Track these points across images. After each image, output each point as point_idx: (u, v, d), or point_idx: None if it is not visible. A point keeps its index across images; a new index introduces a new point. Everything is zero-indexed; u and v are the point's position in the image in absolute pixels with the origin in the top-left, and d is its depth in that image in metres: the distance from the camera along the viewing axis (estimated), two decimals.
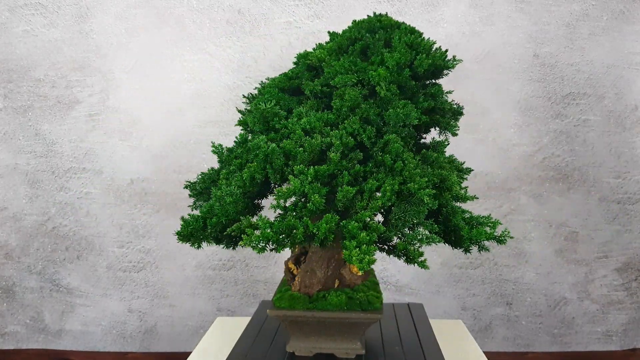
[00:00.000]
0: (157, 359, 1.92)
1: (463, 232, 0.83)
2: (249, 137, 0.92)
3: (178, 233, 0.86)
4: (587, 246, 1.82)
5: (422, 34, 0.93)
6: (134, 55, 1.77)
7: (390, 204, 0.80)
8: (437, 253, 1.82)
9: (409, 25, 0.95)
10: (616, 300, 1.85)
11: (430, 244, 0.82)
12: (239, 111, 0.99)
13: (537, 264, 1.83)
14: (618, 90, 1.75)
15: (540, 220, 1.81)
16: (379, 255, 0.84)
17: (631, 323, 1.87)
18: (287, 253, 1.12)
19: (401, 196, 0.81)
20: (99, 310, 1.91)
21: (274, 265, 1.86)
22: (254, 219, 0.82)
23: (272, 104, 0.89)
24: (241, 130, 0.95)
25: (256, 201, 0.92)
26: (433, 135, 0.98)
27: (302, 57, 1.00)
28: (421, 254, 0.81)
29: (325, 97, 0.93)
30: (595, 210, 1.80)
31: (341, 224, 0.79)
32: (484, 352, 1.17)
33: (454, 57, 0.91)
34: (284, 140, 0.83)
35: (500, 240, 0.85)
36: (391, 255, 0.89)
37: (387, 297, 1.85)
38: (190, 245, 0.88)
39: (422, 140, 0.98)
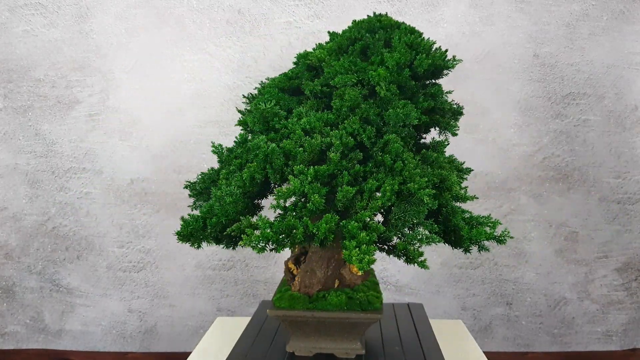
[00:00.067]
0: (157, 359, 1.92)
1: (463, 232, 0.83)
2: (249, 137, 0.92)
3: (178, 233, 0.86)
4: (587, 246, 1.82)
5: (422, 34, 0.93)
6: (134, 55, 1.77)
7: (390, 204, 0.80)
8: (437, 253, 1.82)
9: (409, 25, 0.95)
10: (616, 300, 1.85)
11: (430, 244, 0.82)
12: (239, 111, 0.99)
13: (537, 264, 1.83)
14: (618, 90, 1.75)
15: (540, 220, 1.81)
16: (378, 255, 0.84)
17: (631, 323, 1.87)
18: (287, 253, 1.12)
19: (401, 196, 0.81)
20: (99, 310, 1.91)
21: (274, 265, 1.86)
22: (254, 219, 0.82)
23: (272, 104, 0.89)
24: (241, 130, 0.95)
25: (256, 201, 0.92)
26: (433, 135, 0.98)
27: (302, 57, 1.00)
28: (421, 254, 0.81)
29: (325, 97, 0.93)
30: (595, 210, 1.80)
31: (341, 224, 0.79)
32: (484, 352, 1.17)
33: (454, 57, 0.91)
34: (284, 140, 0.83)
35: (500, 240, 0.85)
36: (391, 255, 0.89)
37: (387, 297, 1.85)
38: (190, 245, 0.88)
39: (422, 140, 0.98)
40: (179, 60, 1.77)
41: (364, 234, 0.75)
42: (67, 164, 1.83)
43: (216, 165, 0.97)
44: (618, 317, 1.86)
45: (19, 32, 1.76)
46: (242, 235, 0.77)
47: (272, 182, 0.86)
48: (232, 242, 0.89)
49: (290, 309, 0.91)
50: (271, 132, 0.88)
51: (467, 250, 0.86)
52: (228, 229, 0.81)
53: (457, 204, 0.90)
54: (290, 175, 0.81)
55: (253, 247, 0.76)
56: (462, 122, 0.99)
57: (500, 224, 0.88)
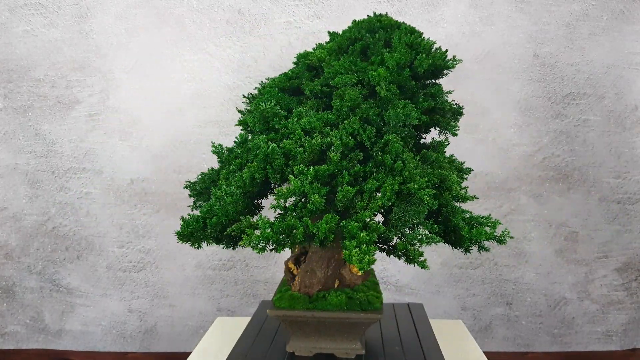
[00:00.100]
0: (157, 359, 1.92)
1: (463, 232, 0.83)
2: (249, 137, 0.92)
3: (178, 233, 0.86)
4: (587, 246, 1.82)
5: (422, 34, 0.93)
6: (134, 55, 1.77)
7: (390, 204, 0.80)
8: (437, 253, 1.82)
9: (409, 25, 0.95)
10: (616, 300, 1.85)
11: (430, 244, 0.82)
12: (239, 111, 0.99)
13: (537, 264, 1.83)
14: (618, 90, 1.75)
15: (540, 220, 1.81)
16: (379, 255, 0.84)
17: (631, 323, 1.87)
18: (287, 253, 1.12)
19: (401, 196, 0.81)
20: (99, 310, 1.91)
21: (274, 265, 1.86)
22: (254, 219, 0.82)
23: (272, 104, 0.89)
24: (241, 130, 0.95)
25: (256, 201, 0.92)
26: (433, 135, 0.98)
27: (302, 57, 1.00)
28: (421, 254, 0.81)
29: (325, 97, 0.93)
30: (595, 210, 1.80)
31: (341, 224, 0.79)
32: (484, 352, 1.17)
33: (454, 57, 0.91)
34: (284, 140, 0.83)
35: (500, 240, 0.85)
36: (391, 255, 0.89)
37: (387, 297, 1.85)
38: (190, 245, 0.88)
39: (422, 140, 0.98)
40: (179, 60, 1.77)
41: (364, 234, 0.75)
42: (67, 164, 1.83)
43: (216, 165, 0.97)
44: (618, 317, 1.86)
45: (19, 32, 1.76)
46: (242, 235, 0.77)
47: (272, 182, 0.86)
48: (232, 242, 0.89)
49: (290, 309, 0.91)
50: (271, 132, 0.88)
51: (467, 250, 0.86)
52: (228, 229, 0.81)
53: (457, 204, 0.90)
54: (290, 175, 0.81)
55: (253, 247, 0.76)
56: (462, 122, 0.99)
57: (500, 224, 0.88)
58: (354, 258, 0.73)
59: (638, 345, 1.89)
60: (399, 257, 0.85)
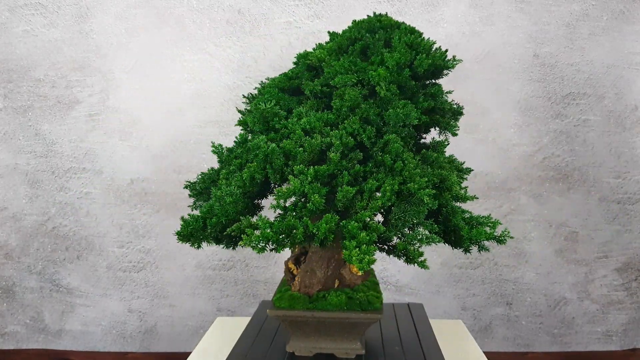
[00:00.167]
0: (157, 359, 1.92)
1: (463, 232, 0.83)
2: (249, 137, 0.92)
3: (178, 233, 0.86)
4: (587, 246, 1.82)
5: (422, 34, 0.93)
6: (134, 55, 1.77)
7: (390, 204, 0.80)
8: (437, 253, 1.82)
9: (409, 25, 0.95)
10: (616, 300, 1.85)
11: (430, 244, 0.82)
12: (239, 111, 0.99)
13: (537, 264, 1.83)
14: (618, 90, 1.75)
15: (540, 220, 1.81)
16: (378, 255, 0.84)
17: (631, 323, 1.87)
18: (287, 253, 1.12)
19: (401, 196, 0.81)
20: (99, 310, 1.91)
21: (274, 265, 1.86)
22: (254, 219, 0.82)
23: (272, 104, 0.89)
24: (241, 130, 0.95)
25: (256, 201, 0.92)
26: (433, 135, 0.98)
27: (302, 57, 1.00)
28: (421, 254, 0.81)
29: (325, 97, 0.93)
30: (595, 210, 1.80)
31: (341, 224, 0.79)
32: (484, 352, 1.17)
33: (453, 57, 0.91)
34: (284, 140, 0.83)
35: (500, 240, 0.85)
36: (391, 255, 0.89)
37: (387, 297, 1.85)
38: (190, 246, 0.88)
39: (422, 140, 0.98)
40: (179, 60, 1.77)
41: (364, 234, 0.75)
42: (67, 164, 1.83)
43: (216, 165, 0.97)
44: (618, 317, 1.86)
45: (19, 32, 1.76)
46: (242, 235, 0.77)
47: (272, 182, 0.86)
48: (232, 242, 0.89)
49: (290, 309, 0.91)
50: (271, 132, 0.88)
51: (467, 250, 0.86)
52: (228, 229, 0.81)
53: (457, 204, 0.90)
54: (290, 175, 0.81)
55: (253, 247, 0.76)
56: (462, 122, 0.99)
57: (500, 224, 0.88)
58: (353, 258, 0.73)
59: (638, 345, 1.89)
60: (398, 257, 0.85)
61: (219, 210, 0.84)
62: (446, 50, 0.91)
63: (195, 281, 1.87)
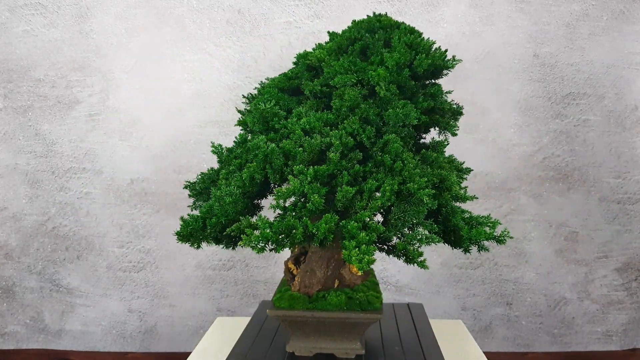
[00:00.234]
0: (157, 359, 1.92)
1: (462, 232, 0.83)
2: (249, 137, 0.92)
3: (177, 233, 0.86)
4: (587, 246, 1.82)
5: (421, 34, 0.93)
6: (134, 55, 1.77)
7: (389, 204, 0.80)
8: (437, 253, 1.82)
9: (409, 25, 0.95)
10: (616, 300, 1.85)
11: (429, 244, 0.82)
12: (239, 111, 0.99)
13: (537, 264, 1.83)
14: (618, 90, 1.75)
15: (540, 220, 1.81)
16: (378, 255, 0.84)
17: (631, 323, 1.87)
18: (287, 253, 1.12)
19: (401, 196, 0.81)
20: (99, 310, 1.91)
21: (274, 265, 1.86)
22: (254, 219, 0.82)
23: (272, 104, 0.89)
24: (241, 130, 0.95)
25: (256, 201, 0.92)
26: (433, 135, 0.98)
27: (302, 57, 1.00)
28: (420, 254, 0.81)
29: (324, 97, 0.93)
30: (595, 210, 1.80)
31: (341, 224, 0.79)
32: (484, 352, 1.17)
33: (453, 57, 0.91)
34: (284, 141, 0.83)
35: (499, 240, 0.85)
36: (391, 255, 0.89)
37: (387, 297, 1.85)
38: (190, 246, 0.88)
39: (422, 140, 0.98)
40: (179, 60, 1.77)
41: (363, 234, 0.75)
42: (67, 164, 1.83)
43: (216, 165, 0.97)
44: (618, 317, 1.86)
45: (19, 32, 1.76)
46: (241, 236, 0.77)
47: (271, 182, 0.86)
48: (231, 242, 0.89)
49: (290, 309, 0.91)
50: (271, 132, 0.88)
51: (466, 250, 0.86)
52: (228, 229, 0.81)
53: (457, 204, 0.90)
54: (289, 175, 0.81)
55: (253, 247, 0.76)
56: (462, 122, 0.99)
57: (500, 224, 0.88)
58: (353, 258, 0.73)
59: (638, 345, 1.89)
60: (398, 257, 0.85)
61: (219, 211, 0.84)
62: (446, 50, 0.91)
63: (195, 281, 1.87)
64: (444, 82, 0.97)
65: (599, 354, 1.88)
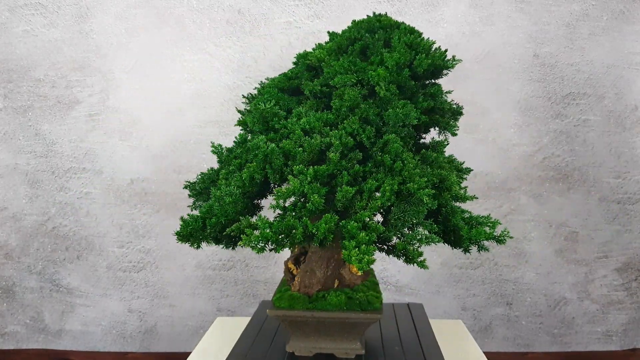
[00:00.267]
0: (157, 359, 1.92)
1: (462, 232, 0.83)
2: (249, 137, 0.92)
3: (177, 233, 0.86)
4: (587, 246, 1.82)
5: (421, 34, 0.93)
6: (134, 55, 1.77)
7: (389, 204, 0.80)
8: (437, 253, 1.82)
9: (409, 25, 0.95)
10: (616, 300, 1.85)
11: (429, 244, 0.82)
12: (239, 111, 0.99)
13: (537, 264, 1.83)
14: (618, 90, 1.75)
15: (540, 220, 1.81)
16: (378, 255, 0.84)
17: (631, 323, 1.87)
18: (287, 253, 1.12)
19: (400, 196, 0.81)
20: (99, 310, 1.91)
21: (274, 265, 1.86)
22: (254, 219, 0.82)
23: (272, 104, 0.89)
24: (241, 130, 0.95)
25: (256, 201, 0.92)
26: (433, 135, 0.98)
27: (302, 57, 1.00)
28: (420, 254, 0.81)
29: (324, 97, 0.93)
30: (595, 210, 1.80)
31: (340, 224, 0.79)
32: (484, 352, 1.17)
33: (453, 57, 0.91)
34: (284, 141, 0.83)
35: (499, 240, 0.85)
36: (391, 255, 0.89)
37: (387, 297, 1.85)
38: (190, 246, 0.88)
39: (422, 140, 0.98)
40: (179, 60, 1.77)
41: (363, 234, 0.75)
42: (67, 164, 1.83)
43: (216, 165, 0.97)
44: (618, 317, 1.86)
45: (19, 32, 1.76)
46: (241, 236, 0.77)
47: (271, 182, 0.86)
48: (231, 242, 0.89)
49: (290, 309, 0.91)
50: (271, 132, 0.88)
51: (466, 250, 0.86)
52: (227, 229, 0.81)
53: (457, 204, 0.90)
54: (289, 175, 0.81)
55: (252, 247, 0.76)
56: (462, 122, 0.99)
57: (500, 224, 0.88)
58: (353, 258, 0.73)
59: (638, 345, 1.89)
60: (398, 257, 0.85)
61: (219, 211, 0.84)
62: (446, 50, 0.91)
63: (195, 281, 1.87)
64: (444, 82, 0.97)
65: (599, 354, 1.88)
